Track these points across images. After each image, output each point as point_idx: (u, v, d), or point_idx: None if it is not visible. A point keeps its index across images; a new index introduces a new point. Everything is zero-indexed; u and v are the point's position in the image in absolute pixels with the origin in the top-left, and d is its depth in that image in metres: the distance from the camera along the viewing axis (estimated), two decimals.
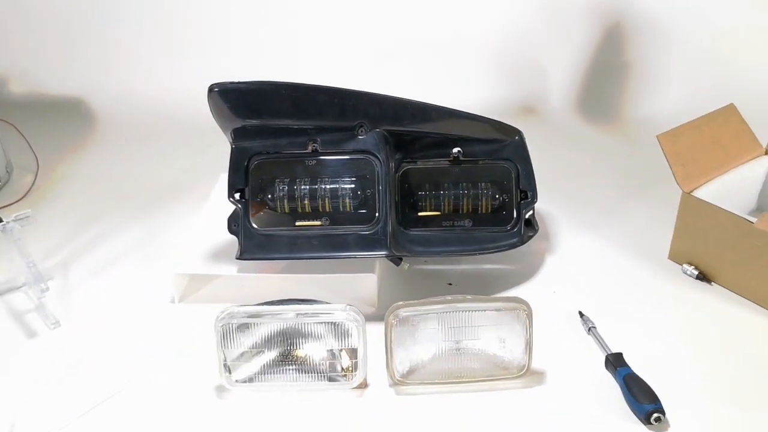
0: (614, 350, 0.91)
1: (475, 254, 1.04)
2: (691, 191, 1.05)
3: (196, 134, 1.62)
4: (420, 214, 1.05)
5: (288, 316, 0.85)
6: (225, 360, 0.85)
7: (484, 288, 1.07)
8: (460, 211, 1.05)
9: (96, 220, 1.28)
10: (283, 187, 0.99)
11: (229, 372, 0.86)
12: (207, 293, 1.07)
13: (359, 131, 0.98)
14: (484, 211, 1.05)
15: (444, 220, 1.05)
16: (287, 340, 0.87)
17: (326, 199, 0.99)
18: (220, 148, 1.52)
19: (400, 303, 0.86)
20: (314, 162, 0.99)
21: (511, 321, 0.87)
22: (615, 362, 0.88)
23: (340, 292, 1.04)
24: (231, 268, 1.04)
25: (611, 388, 0.87)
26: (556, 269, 1.11)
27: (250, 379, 0.87)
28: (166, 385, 0.89)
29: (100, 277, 1.12)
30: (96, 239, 1.22)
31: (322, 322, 0.85)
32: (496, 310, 0.87)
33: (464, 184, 1.05)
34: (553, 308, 1.01)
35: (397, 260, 1.00)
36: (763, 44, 1.63)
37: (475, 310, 0.86)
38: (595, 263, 1.13)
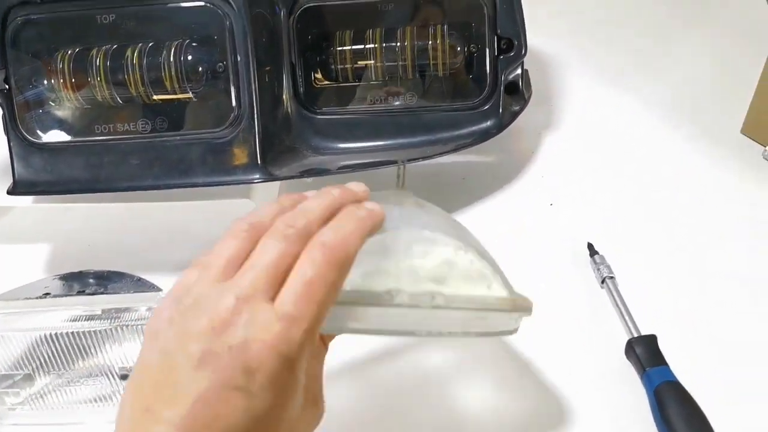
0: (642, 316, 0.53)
1: (425, 157, 0.62)
2: None
3: None
4: (333, 84, 0.64)
5: (62, 326, 0.48)
6: None
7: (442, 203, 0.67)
8: (399, 78, 0.63)
9: None
10: (69, 64, 0.57)
11: None
12: None
13: None
14: (438, 74, 0.63)
15: (373, 94, 0.64)
16: (67, 352, 0.50)
17: (144, 83, 0.57)
18: None
19: None
20: (113, 17, 0.55)
21: None
22: (644, 358, 0.51)
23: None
24: None
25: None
26: (556, 162, 0.71)
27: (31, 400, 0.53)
28: None
29: None
30: None
31: (124, 325, 0.48)
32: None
33: (403, 30, 0.62)
34: (552, 233, 0.62)
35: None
36: None
37: None
38: (621, 139, 0.71)
